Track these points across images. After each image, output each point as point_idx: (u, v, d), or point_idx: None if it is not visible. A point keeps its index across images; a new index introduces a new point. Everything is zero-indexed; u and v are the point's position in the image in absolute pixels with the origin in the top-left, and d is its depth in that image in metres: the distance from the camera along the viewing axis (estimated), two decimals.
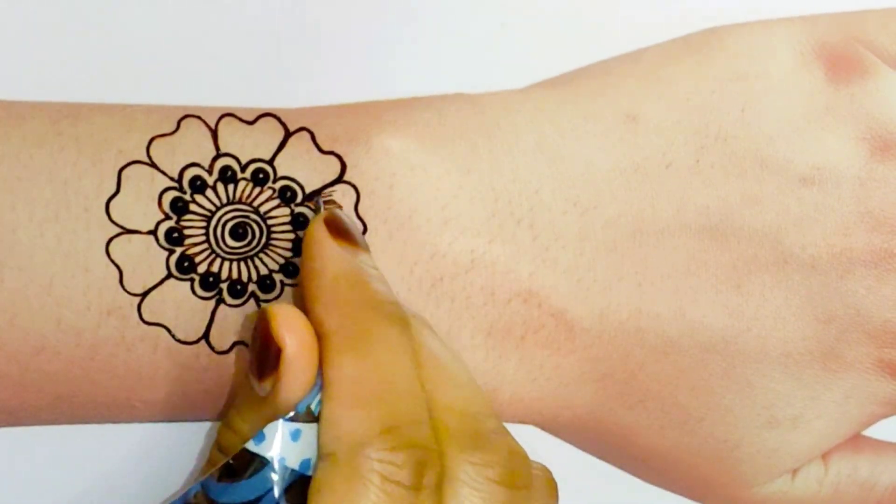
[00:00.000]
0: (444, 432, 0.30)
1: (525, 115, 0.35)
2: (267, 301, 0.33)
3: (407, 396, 0.29)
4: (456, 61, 0.38)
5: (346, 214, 0.32)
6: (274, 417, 0.29)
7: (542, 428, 0.38)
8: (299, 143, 0.33)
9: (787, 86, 0.35)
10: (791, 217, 0.35)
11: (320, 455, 0.29)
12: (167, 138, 0.33)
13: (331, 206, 0.32)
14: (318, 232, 0.31)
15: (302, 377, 0.29)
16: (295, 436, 0.29)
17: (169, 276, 0.32)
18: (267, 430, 0.29)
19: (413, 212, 0.33)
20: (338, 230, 0.31)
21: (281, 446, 0.29)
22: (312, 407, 0.29)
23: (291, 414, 0.29)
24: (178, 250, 0.32)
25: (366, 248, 0.32)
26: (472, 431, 0.30)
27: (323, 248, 0.31)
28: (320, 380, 0.29)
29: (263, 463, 0.29)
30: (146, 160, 0.32)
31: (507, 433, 0.31)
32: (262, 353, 0.30)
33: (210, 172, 0.33)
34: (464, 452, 0.30)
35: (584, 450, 0.39)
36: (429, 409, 0.30)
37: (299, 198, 0.33)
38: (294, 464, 0.29)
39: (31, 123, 0.32)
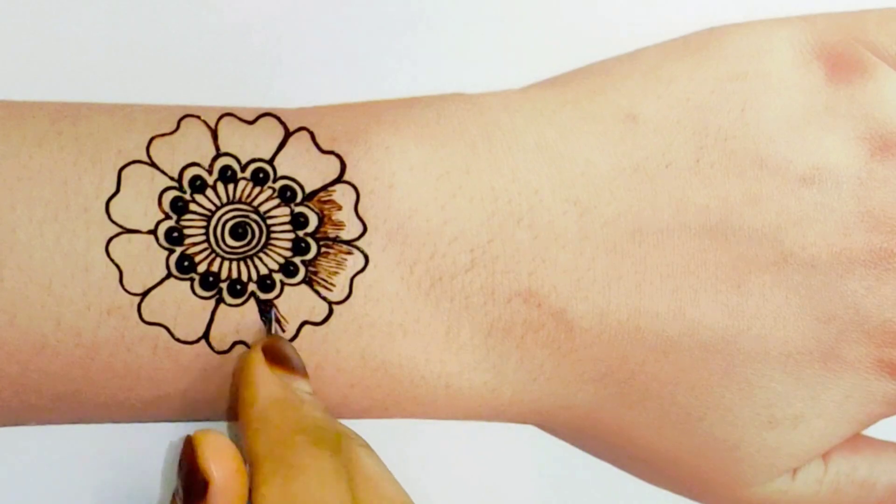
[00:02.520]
0: None
1: (525, 115, 0.35)
2: (267, 301, 0.33)
3: None
4: (456, 61, 0.38)
5: (286, 341, 0.32)
6: None
7: (542, 428, 0.38)
8: (299, 142, 0.33)
9: (786, 85, 0.35)
10: (791, 217, 0.35)
11: None
12: (167, 138, 0.33)
13: (274, 335, 0.32)
14: (252, 360, 0.31)
15: None
16: None
17: (169, 275, 0.32)
18: None
19: (413, 211, 0.33)
20: (274, 357, 0.32)
21: None
22: None
23: None
24: (178, 250, 0.32)
25: (303, 374, 0.32)
26: None
27: (256, 375, 0.31)
28: None
29: None
30: (146, 160, 0.32)
31: None
32: (189, 482, 0.29)
33: (210, 172, 0.33)
34: None
35: (584, 449, 0.39)
36: None
37: (299, 197, 0.33)
38: None
39: (31, 123, 0.32)
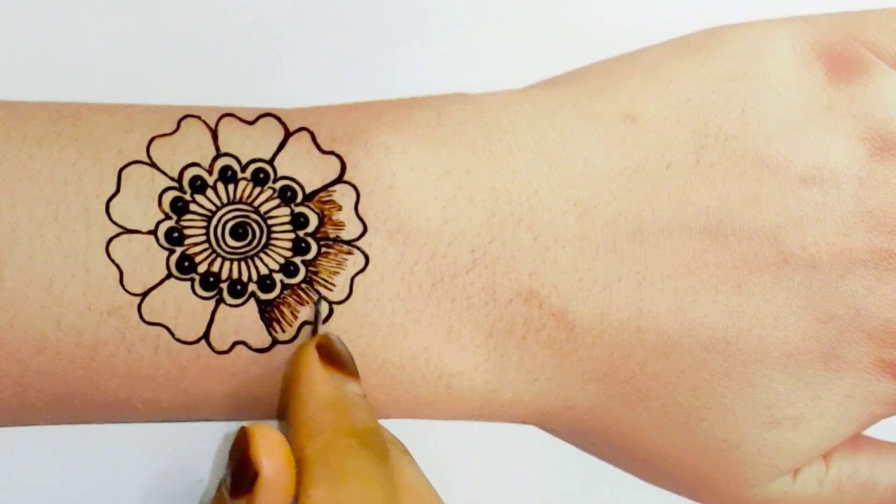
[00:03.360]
0: None
1: (525, 115, 0.35)
2: (267, 301, 0.33)
3: None
4: (456, 61, 0.38)
5: (340, 340, 0.32)
6: None
7: (543, 428, 0.38)
8: (299, 143, 0.33)
9: (787, 85, 0.35)
10: (791, 217, 0.35)
11: None
12: (167, 138, 0.33)
13: (327, 332, 0.32)
14: (308, 357, 0.31)
15: (275, 502, 0.29)
16: None
17: (169, 275, 0.32)
18: None
19: (413, 211, 0.33)
20: (329, 356, 0.31)
21: None
22: None
23: None
24: (179, 250, 0.32)
25: (355, 376, 0.32)
26: None
27: (310, 373, 0.31)
28: None
29: None
30: (146, 160, 0.32)
31: None
32: (239, 472, 0.29)
33: (210, 172, 0.33)
34: None
35: (585, 450, 0.39)
36: None
37: (299, 197, 0.33)
38: None
39: (31, 123, 0.32)
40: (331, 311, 0.33)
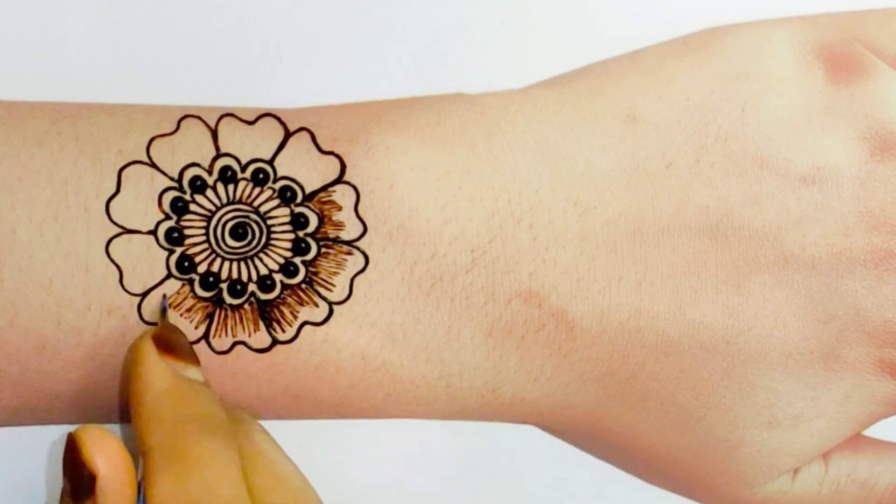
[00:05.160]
0: None
1: (525, 115, 0.35)
2: (267, 301, 0.33)
3: None
4: (456, 61, 0.38)
5: (176, 329, 0.32)
6: None
7: (543, 428, 0.38)
8: (299, 143, 0.33)
9: (787, 85, 0.35)
10: (791, 217, 0.35)
11: None
12: (167, 138, 0.33)
13: (164, 320, 0.32)
14: (143, 349, 0.31)
15: (118, 500, 0.29)
16: None
17: (169, 276, 0.32)
18: None
19: (413, 212, 0.33)
20: (165, 346, 0.31)
21: None
22: None
23: None
24: (179, 250, 0.32)
25: (195, 362, 0.32)
26: None
27: (147, 365, 0.31)
28: (143, 499, 0.29)
29: None
30: (146, 160, 0.32)
31: None
32: (76, 478, 0.29)
33: (210, 172, 0.33)
34: None
35: (585, 450, 0.39)
36: None
37: (299, 198, 0.33)
38: None
39: (31, 123, 0.32)
40: (331, 312, 0.33)
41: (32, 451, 0.35)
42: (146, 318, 0.32)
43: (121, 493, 0.29)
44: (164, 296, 0.32)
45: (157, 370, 0.31)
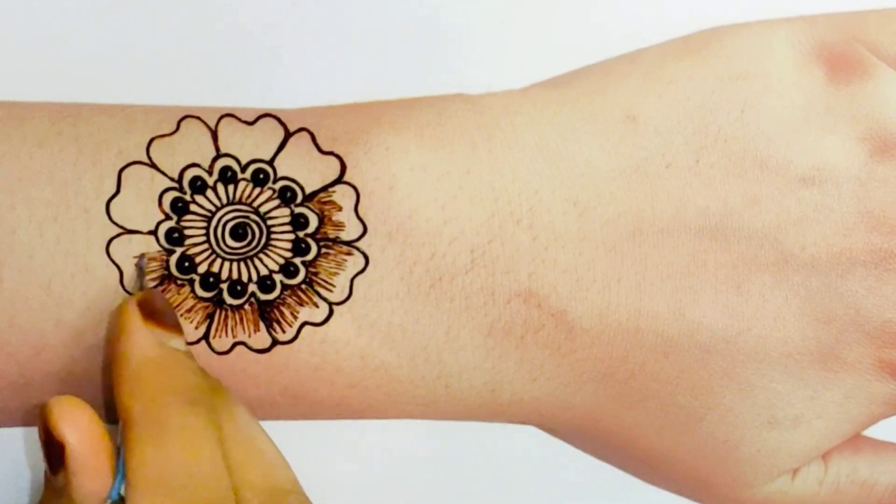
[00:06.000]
0: None
1: (525, 116, 0.35)
2: (267, 301, 0.33)
3: (210, 481, 0.29)
4: (456, 61, 0.38)
5: (161, 296, 0.32)
6: None
7: (542, 428, 0.38)
8: (299, 143, 0.33)
9: (786, 86, 0.35)
10: (791, 217, 0.35)
11: None
12: (167, 138, 0.33)
13: (148, 286, 0.31)
14: (128, 314, 0.31)
15: (91, 470, 0.29)
16: None
17: (169, 276, 0.32)
18: None
19: (413, 212, 0.33)
20: (150, 312, 0.31)
21: None
22: (123, 493, 0.29)
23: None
24: (179, 251, 0.32)
25: (179, 330, 0.31)
26: None
27: (131, 331, 0.31)
28: (122, 466, 0.29)
29: None
30: (146, 160, 0.32)
31: None
32: (49, 448, 0.29)
33: (210, 173, 0.33)
34: None
35: (584, 450, 0.39)
36: (235, 488, 0.29)
37: (299, 198, 0.33)
38: None
39: (31, 123, 0.32)
40: (331, 312, 0.33)
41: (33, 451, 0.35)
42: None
43: (93, 463, 0.29)
44: (143, 255, 0.32)
45: (140, 337, 0.30)
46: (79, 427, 0.29)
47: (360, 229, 0.33)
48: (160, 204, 0.32)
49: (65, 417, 0.29)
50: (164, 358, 0.31)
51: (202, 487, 0.29)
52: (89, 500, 0.29)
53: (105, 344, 0.32)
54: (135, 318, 0.31)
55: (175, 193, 0.32)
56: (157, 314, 0.31)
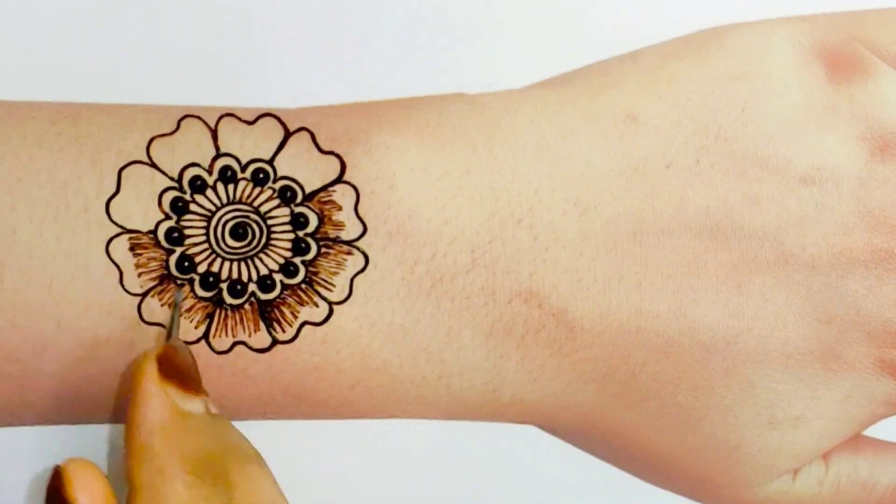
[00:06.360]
0: None
1: (525, 115, 0.35)
2: (267, 301, 0.33)
3: None
4: (456, 61, 0.38)
5: (183, 349, 0.31)
6: None
7: (543, 428, 0.38)
8: (299, 143, 0.33)
9: (787, 86, 0.35)
10: (791, 217, 0.35)
11: None
12: (167, 138, 0.33)
13: (172, 341, 0.30)
14: (145, 373, 0.30)
15: None
16: None
17: (169, 276, 0.32)
18: None
19: (413, 212, 0.33)
20: (171, 371, 0.30)
21: None
22: None
23: None
24: (179, 250, 0.32)
25: (198, 389, 0.31)
26: None
27: (146, 393, 0.30)
28: None
29: None
30: (146, 160, 0.32)
31: None
32: None
33: (210, 172, 0.33)
34: None
35: (585, 450, 0.39)
36: None
37: (299, 198, 0.33)
38: None
39: (31, 123, 0.32)
40: (331, 312, 0.33)
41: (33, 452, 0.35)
42: (146, 318, 0.32)
43: None
44: (179, 286, 0.31)
45: (154, 403, 0.30)
46: (92, 496, 0.29)
47: (360, 229, 0.33)
48: (160, 203, 0.32)
49: (81, 484, 0.29)
50: (175, 424, 0.30)
51: None
52: None
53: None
54: (151, 380, 0.30)
55: (175, 193, 0.32)
56: (177, 370, 0.30)
